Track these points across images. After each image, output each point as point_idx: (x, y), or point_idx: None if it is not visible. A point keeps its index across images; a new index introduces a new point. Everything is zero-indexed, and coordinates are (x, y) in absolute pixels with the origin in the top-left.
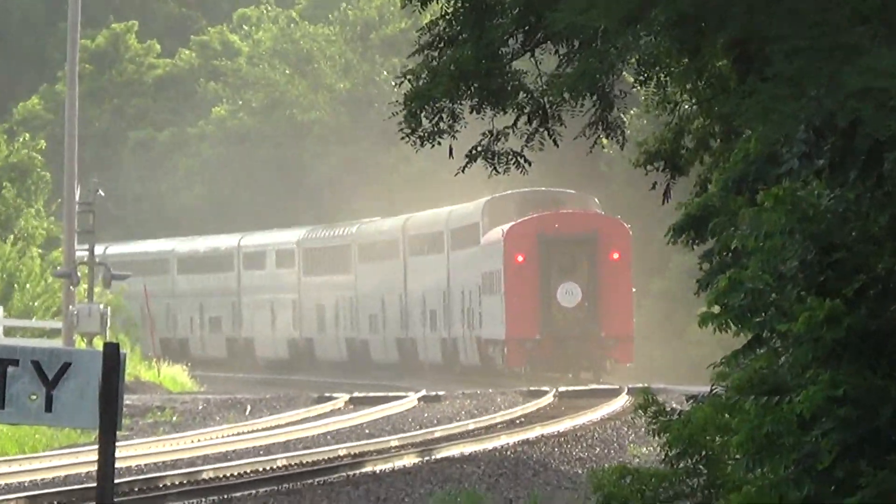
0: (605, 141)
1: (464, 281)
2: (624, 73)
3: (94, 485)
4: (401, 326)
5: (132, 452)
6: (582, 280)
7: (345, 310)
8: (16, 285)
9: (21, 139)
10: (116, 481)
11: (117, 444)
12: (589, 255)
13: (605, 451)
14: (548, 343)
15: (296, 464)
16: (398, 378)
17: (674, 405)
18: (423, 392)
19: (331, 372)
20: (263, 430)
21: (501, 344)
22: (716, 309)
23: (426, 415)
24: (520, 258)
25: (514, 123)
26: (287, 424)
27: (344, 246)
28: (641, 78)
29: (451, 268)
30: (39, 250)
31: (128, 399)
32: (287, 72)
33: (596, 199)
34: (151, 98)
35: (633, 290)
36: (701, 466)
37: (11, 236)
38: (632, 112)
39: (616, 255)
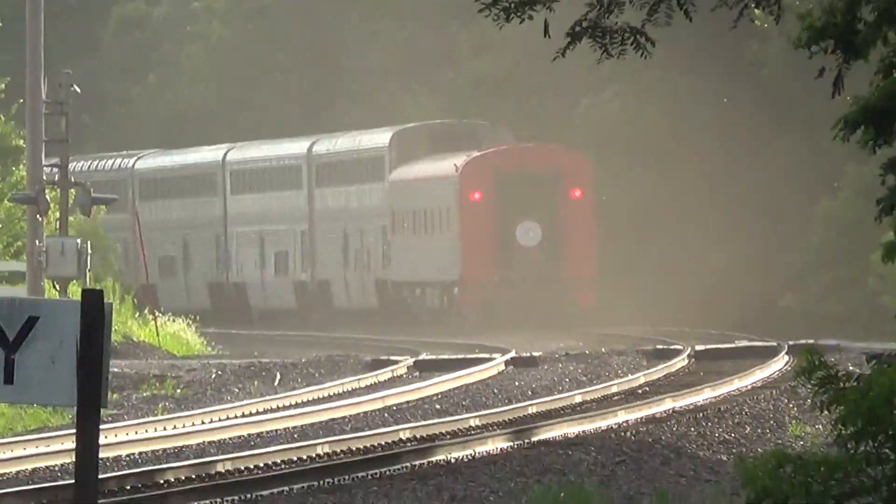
0: (756, 12)
1: (348, 219)
2: None
3: (72, 481)
4: (217, 269)
5: (122, 438)
6: (543, 219)
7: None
8: None
9: None
10: (101, 476)
11: (102, 427)
12: (550, 192)
13: (758, 431)
14: (506, 285)
15: (342, 451)
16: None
17: (850, 368)
18: (513, 353)
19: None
20: (299, 406)
21: (437, 286)
22: None
23: (517, 384)
24: (476, 195)
25: None
26: (330, 398)
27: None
28: None
29: (314, 205)
30: None
31: (115, 366)
32: None
33: (510, 132)
34: None
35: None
36: (887, 450)
37: None
38: None
39: (578, 193)
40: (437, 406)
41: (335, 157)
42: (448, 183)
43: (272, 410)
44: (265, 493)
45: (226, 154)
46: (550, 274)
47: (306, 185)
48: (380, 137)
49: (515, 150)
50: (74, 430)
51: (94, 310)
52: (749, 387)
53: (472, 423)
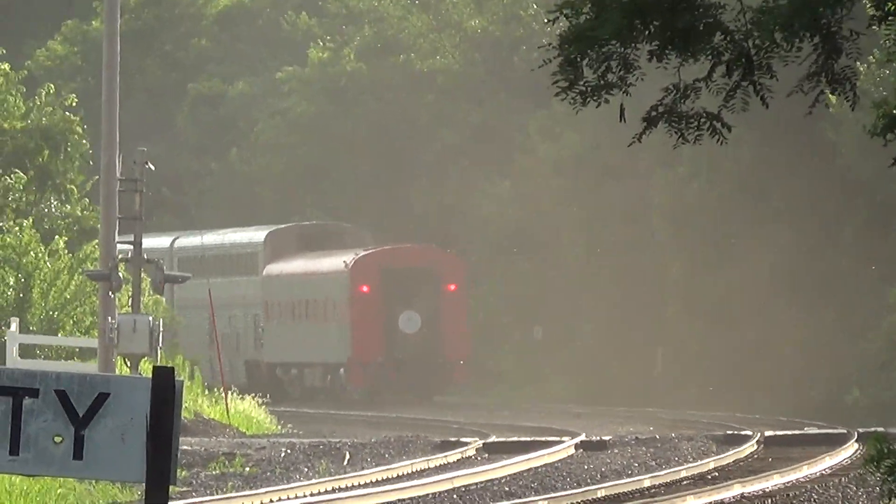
0: (831, 98)
1: (215, 307)
2: (866, 4)
3: None
4: None
5: None
6: (422, 309)
7: None
8: (35, 290)
9: (45, 91)
10: None
11: (171, 503)
12: (428, 286)
13: None
14: (390, 366)
15: None
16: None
17: None
18: (583, 436)
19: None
20: (367, 485)
21: (319, 367)
22: None
23: (586, 467)
24: (364, 288)
25: (709, 75)
26: (399, 479)
27: None
28: (880, 13)
29: (175, 294)
30: (64, 239)
31: (185, 443)
32: (402, 2)
33: (369, 234)
34: (215, 39)
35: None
36: None
37: (26, 222)
38: (871, 58)
39: (453, 287)
40: (506, 488)
41: (201, 251)
42: (338, 277)
43: (341, 490)
44: None
45: None
46: (428, 357)
47: None
48: (255, 235)
49: (398, 249)
50: None
51: (164, 387)
52: (818, 474)
53: None
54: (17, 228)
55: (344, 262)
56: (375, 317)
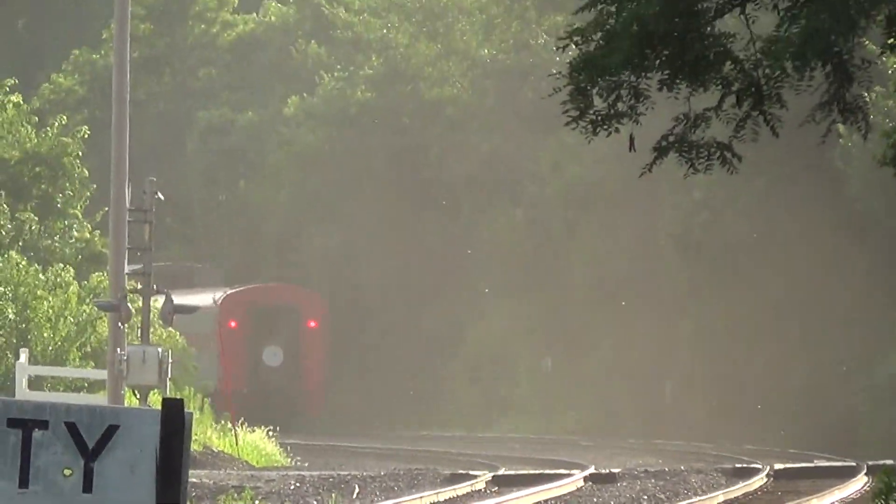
0: (841, 128)
1: None
2: (865, 39)
3: None
4: None
5: None
6: (284, 344)
7: None
8: (41, 321)
9: (57, 122)
10: None
11: None
12: (290, 323)
13: None
14: (255, 396)
15: None
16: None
17: None
18: (592, 469)
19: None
20: None
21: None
22: None
23: (596, 500)
24: (232, 323)
25: (719, 105)
26: None
27: None
28: (891, 41)
29: None
30: (69, 268)
31: (194, 476)
32: (410, 30)
33: (222, 273)
34: (227, 68)
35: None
36: None
37: (13, 252)
38: (876, 90)
39: (313, 324)
40: None
41: None
42: (208, 312)
43: None
44: None
45: None
46: (288, 388)
47: None
48: None
49: (264, 288)
50: None
51: (174, 419)
52: None
53: None
54: (6, 257)
55: (213, 298)
56: (242, 350)
